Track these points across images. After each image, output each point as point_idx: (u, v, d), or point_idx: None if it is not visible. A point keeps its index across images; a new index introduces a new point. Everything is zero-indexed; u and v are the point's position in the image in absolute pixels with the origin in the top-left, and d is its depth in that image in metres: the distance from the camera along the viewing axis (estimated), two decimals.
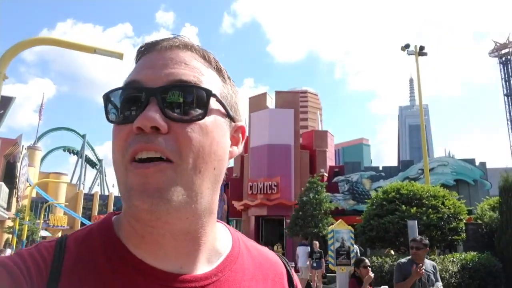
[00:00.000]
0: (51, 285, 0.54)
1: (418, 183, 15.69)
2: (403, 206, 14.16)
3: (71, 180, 56.06)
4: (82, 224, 44.30)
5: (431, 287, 4.71)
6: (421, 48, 19.51)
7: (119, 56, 7.19)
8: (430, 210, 13.94)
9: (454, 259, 12.40)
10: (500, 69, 73.79)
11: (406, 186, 15.12)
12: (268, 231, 23.40)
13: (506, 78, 74.07)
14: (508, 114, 73.24)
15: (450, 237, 14.10)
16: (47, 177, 43.23)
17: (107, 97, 0.57)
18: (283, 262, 0.73)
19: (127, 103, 0.55)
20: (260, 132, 24.03)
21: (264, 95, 25.98)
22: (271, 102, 25.79)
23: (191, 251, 0.59)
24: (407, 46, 19.45)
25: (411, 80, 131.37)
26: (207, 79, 0.59)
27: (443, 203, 14.36)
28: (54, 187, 41.60)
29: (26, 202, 28.36)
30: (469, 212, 16.60)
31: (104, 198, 52.04)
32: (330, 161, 25.80)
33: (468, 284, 11.78)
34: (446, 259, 12.42)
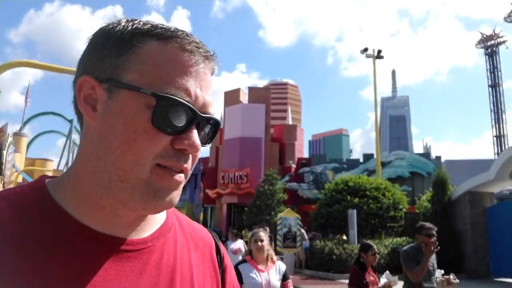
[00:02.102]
0: None
1: (365, 176, 17.56)
2: (348, 196, 16.06)
3: (58, 165, 57.03)
4: None
5: (432, 276, 4.49)
6: (379, 51, 21.25)
7: None
8: (371, 200, 15.87)
9: (386, 244, 14.36)
10: (486, 60, 75.32)
11: (354, 179, 17.02)
12: (239, 218, 25.28)
13: (491, 70, 75.70)
14: (492, 105, 75.12)
15: (389, 224, 16.06)
16: (33, 163, 44.34)
17: (162, 100, 0.56)
18: (212, 235, 0.78)
19: (175, 115, 0.57)
20: (233, 125, 25.70)
21: (238, 90, 27.56)
22: (245, 97, 27.39)
23: (139, 222, 0.63)
24: (365, 49, 21.16)
25: (393, 72, 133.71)
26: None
27: (383, 194, 16.29)
28: (40, 172, 42.79)
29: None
30: (413, 202, 18.61)
31: None
32: (299, 153, 27.63)
33: (396, 265, 13.73)
34: (379, 243, 14.36)
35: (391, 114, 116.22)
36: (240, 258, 8.06)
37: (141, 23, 0.61)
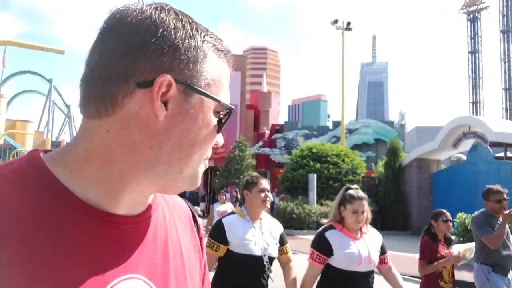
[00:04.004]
0: None
1: (328, 144, 19.09)
2: (311, 162, 17.63)
3: (38, 126, 57.03)
4: None
5: (508, 242, 4.09)
6: (348, 23, 22.18)
7: (61, 52, 9.61)
8: (331, 166, 17.49)
9: None
10: (467, 26, 75.60)
11: (318, 146, 18.54)
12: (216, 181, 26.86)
13: (472, 36, 76.24)
14: (470, 71, 76.30)
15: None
16: (14, 125, 44.59)
17: (228, 110, 0.65)
18: (187, 204, 0.82)
19: (221, 121, 0.64)
20: None
21: None
22: None
23: (138, 200, 0.65)
24: (335, 21, 22.05)
25: (374, 37, 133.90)
26: None
27: (343, 160, 17.91)
28: (21, 134, 43.16)
29: None
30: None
31: None
32: (274, 120, 28.93)
33: None
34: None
35: (370, 80, 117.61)
36: None
37: (200, 28, 0.63)
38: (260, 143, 26.10)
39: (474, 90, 74.31)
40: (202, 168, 0.66)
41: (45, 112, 64.48)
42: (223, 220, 2.65)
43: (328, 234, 2.66)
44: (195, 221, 0.81)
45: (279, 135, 26.54)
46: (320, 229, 2.79)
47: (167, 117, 0.59)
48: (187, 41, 0.60)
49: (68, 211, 0.58)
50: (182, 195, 0.79)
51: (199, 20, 0.65)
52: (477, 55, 74.90)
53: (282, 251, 2.78)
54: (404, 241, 13.38)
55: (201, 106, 0.61)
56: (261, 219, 2.69)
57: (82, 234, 0.58)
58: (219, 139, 0.66)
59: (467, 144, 14.80)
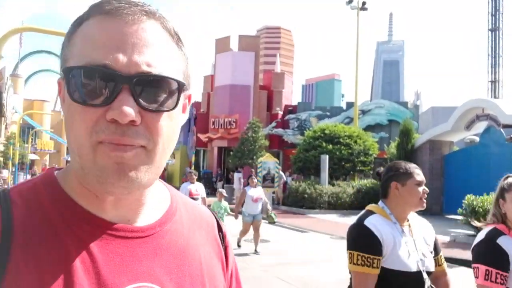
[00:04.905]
0: (5, 237, 0.55)
1: (341, 125, 19.20)
2: (323, 143, 17.84)
3: (54, 106, 58.07)
4: (67, 149, 47.58)
5: None
6: (363, 3, 21.90)
7: None
8: (343, 147, 17.68)
9: (353, 185, 16.38)
10: (488, 2, 73.15)
11: (330, 127, 18.69)
12: (228, 160, 27.29)
13: (493, 12, 73.76)
14: (490, 49, 74.13)
15: (358, 168, 18.04)
16: (31, 104, 45.60)
17: (70, 73, 0.55)
18: (213, 214, 0.81)
19: (96, 86, 0.54)
20: (224, 73, 26.80)
21: (228, 38, 28.22)
22: (235, 44, 28.18)
23: (139, 208, 0.65)
24: (350, 1, 21.79)
25: (390, 15, 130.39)
26: (175, 63, 0.61)
27: (356, 142, 18.07)
28: (40, 114, 44.15)
29: (14, 129, 31.33)
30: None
31: None
32: (287, 100, 29.01)
33: (360, 202, 15.86)
34: (347, 184, 16.38)
35: (385, 58, 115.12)
36: (260, 207, 7.88)
37: (91, 5, 0.59)
38: (273, 124, 26.32)
39: (493, 69, 72.37)
40: (101, 158, 0.56)
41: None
42: (368, 224, 1.84)
43: (502, 241, 1.85)
44: (220, 230, 0.79)
45: (292, 115, 26.68)
46: (484, 236, 1.97)
47: (63, 108, 0.61)
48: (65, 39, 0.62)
49: (74, 222, 0.60)
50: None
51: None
52: (497, 32, 72.56)
53: (436, 262, 2.02)
54: None
55: (62, 87, 0.59)
56: (408, 220, 1.97)
57: (88, 244, 0.59)
58: (112, 112, 0.54)
59: (480, 126, 14.79)
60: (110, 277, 0.58)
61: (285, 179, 18.07)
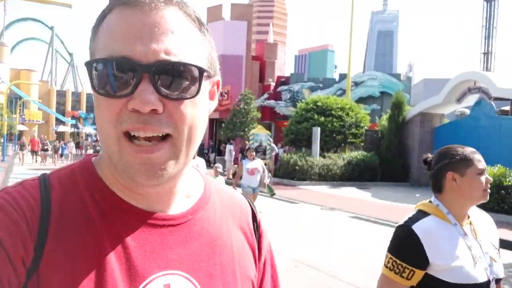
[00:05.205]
0: (43, 221, 0.57)
1: (333, 97, 19.13)
2: (315, 115, 17.83)
3: (42, 75, 56.88)
4: (57, 119, 47.08)
5: None
6: None
7: (68, 6, 9.55)
8: (335, 119, 17.70)
9: (344, 156, 16.53)
10: None
11: (322, 99, 18.62)
12: (221, 133, 27.25)
13: None
14: (484, 20, 73.41)
15: (349, 140, 18.15)
16: (18, 74, 44.58)
17: (91, 66, 0.56)
18: (248, 202, 0.80)
19: (117, 77, 0.55)
20: (215, 43, 26.12)
21: (220, 7, 27.51)
22: (227, 13, 27.54)
23: (171, 197, 0.65)
24: None
25: None
26: (197, 50, 0.60)
27: (347, 114, 18.09)
28: (27, 83, 43.29)
29: (1, 99, 30.72)
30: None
31: (76, 95, 53.57)
32: (279, 71, 28.73)
33: (350, 174, 16.08)
34: (338, 156, 16.52)
35: (380, 29, 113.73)
36: (258, 178, 7.95)
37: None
38: (266, 95, 26.15)
39: (486, 40, 71.95)
40: (127, 155, 0.57)
41: (48, 61, 63.98)
42: (416, 229, 1.53)
43: None
44: (254, 218, 0.78)
45: (284, 87, 26.49)
46: None
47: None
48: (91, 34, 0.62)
49: (108, 209, 0.62)
50: None
51: None
52: (493, 3, 71.81)
53: None
54: (402, 192, 13.93)
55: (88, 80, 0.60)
56: (469, 218, 1.64)
57: (120, 231, 0.60)
58: (133, 102, 0.55)
59: (471, 99, 14.86)
60: (140, 264, 0.59)
61: (277, 151, 18.17)
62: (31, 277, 0.55)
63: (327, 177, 15.71)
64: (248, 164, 7.89)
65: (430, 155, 1.76)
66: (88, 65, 0.57)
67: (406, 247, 1.54)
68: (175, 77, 0.57)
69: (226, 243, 0.69)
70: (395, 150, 16.50)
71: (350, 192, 13.76)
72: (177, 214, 0.66)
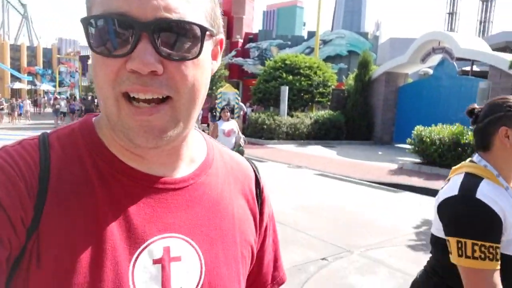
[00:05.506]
0: (42, 180, 0.56)
1: (302, 55, 19.01)
2: (284, 74, 17.75)
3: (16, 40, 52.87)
4: (12, 75, 44.42)
5: None
6: None
7: None
8: (303, 78, 17.72)
9: (311, 116, 16.72)
10: None
11: (291, 57, 18.49)
12: None
13: None
14: None
15: (317, 99, 18.31)
16: None
17: (88, 22, 0.53)
18: (252, 167, 0.78)
19: (114, 35, 0.52)
20: None
21: None
22: None
23: (173, 160, 0.63)
24: None
25: None
26: (199, 6, 0.56)
27: (315, 73, 18.12)
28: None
29: None
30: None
31: (32, 50, 50.45)
32: (248, 28, 28.01)
33: (317, 133, 16.37)
34: (305, 115, 16.69)
35: None
36: (234, 141, 7.65)
37: None
38: (233, 53, 25.61)
39: (452, 0, 72.87)
40: (125, 117, 0.55)
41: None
42: (483, 198, 1.23)
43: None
44: (258, 183, 0.77)
45: (252, 44, 26.00)
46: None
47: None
48: None
49: (107, 171, 0.60)
50: None
51: None
52: None
53: None
54: (366, 150, 14.41)
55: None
56: None
57: (120, 193, 0.59)
58: (132, 63, 0.51)
59: (435, 59, 15.20)
60: (140, 226, 0.59)
61: (245, 110, 18.09)
62: (31, 237, 0.54)
63: (294, 136, 15.92)
64: (223, 125, 7.58)
65: (477, 105, 1.43)
66: (84, 21, 0.54)
67: (488, 222, 1.21)
68: (175, 37, 0.53)
69: (227, 208, 0.69)
70: (361, 109, 16.84)
71: (316, 151, 14.06)
72: (179, 178, 0.65)
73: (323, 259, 4.38)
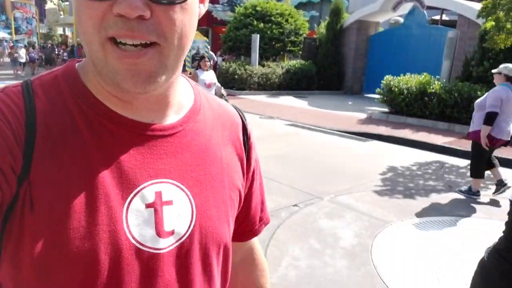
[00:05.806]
0: (29, 128, 0.55)
1: (273, 2, 18.39)
2: (255, 21, 17.23)
3: None
4: None
5: None
6: None
7: None
8: (275, 26, 17.29)
9: (282, 65, 16.56)
10: None
11: (262, 4, 17.84)
12: None
13: None
14: None
15: (289, 48, 18.04)
16: None
17: None
18: (239, 114, 0.79)
19: None
20: None
21: None
22: None
23: (161, 107, 0.63)
24: None
25: None
26: None
27: (287, 20, 17.69)
28: None
29: None
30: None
31: None
32: None
33: (288, 83, 16.31)
34: (276, 65, 16.51)
35: None
36: (213, 92, 7.31)
37: None
38: None
39: None
40: (112, 60, 0.53)
41: None
42: None
43: None
44: (245, 130, 0.78)
45: None
46: None
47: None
48: None
49: (95, 118, 0.59)
50: None
51: None
52: None
53: None
54: (336, 100, 14.58)
55: None
56: None
57: (109, 140, 0.59)
58: (119, 6, 0.50)
59: (407, 7, 15.11)
60: (131, 172, 0.59)
61: (215, 59, 17.65)
62: (22, 185, 0.54)
63: (266, 86, 15.81)
64: (203, 75, 7.29)
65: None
66: None
67: None
68: None
69: (215, 154, 0.70)
70: (332, 58, 16.78)
71: (288, 101, 14.11)
72: (167, 125, 0.65)
73: (294, 205, 4.56)
